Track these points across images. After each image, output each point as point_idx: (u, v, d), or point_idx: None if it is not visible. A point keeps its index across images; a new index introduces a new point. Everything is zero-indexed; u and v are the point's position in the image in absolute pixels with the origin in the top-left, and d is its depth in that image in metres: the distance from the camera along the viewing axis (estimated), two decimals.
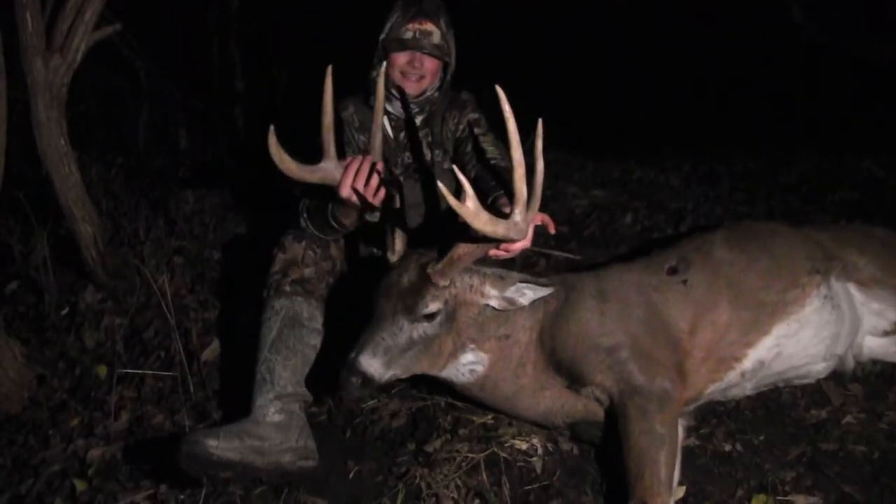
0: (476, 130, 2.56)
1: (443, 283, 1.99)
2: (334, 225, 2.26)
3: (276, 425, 2.11)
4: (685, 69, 6.85)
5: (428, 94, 2.60)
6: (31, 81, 2.66)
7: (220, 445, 1.98)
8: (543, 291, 2.06)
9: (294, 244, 2.37)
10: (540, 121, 1.83)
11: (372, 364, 1.90)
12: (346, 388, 1.91)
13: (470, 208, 1.79)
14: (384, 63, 2.27)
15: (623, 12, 7.23)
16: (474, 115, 2.59)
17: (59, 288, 3.12)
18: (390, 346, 1.93)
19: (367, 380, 1.90)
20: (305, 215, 2.34)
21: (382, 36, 2.53)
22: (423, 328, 1.98)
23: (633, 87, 6.86)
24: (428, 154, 2.64)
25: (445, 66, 2.60)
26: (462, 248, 1.96)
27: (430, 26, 2.49)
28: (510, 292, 2.05)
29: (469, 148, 2.55)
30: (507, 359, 2.12)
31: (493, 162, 2.44)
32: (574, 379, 2.11)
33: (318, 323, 2.32)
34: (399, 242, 2.10)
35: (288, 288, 2.30)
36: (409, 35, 2.49)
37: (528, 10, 7.29)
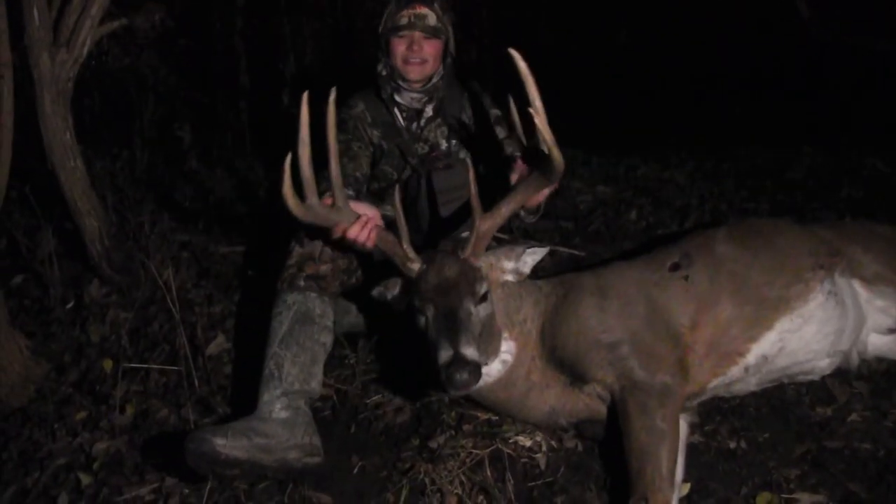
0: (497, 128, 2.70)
1: (477, 263, 2.07)
2: None
3: (283, 422, 2.11)
4: (690, 65, 6.83)
5: (434, 80, 2.65)
6: (37, 76, 2.67)
7: (228, 444, 1.99)
8: (542, 251, 2.15)
9: (313, 238, 2.37)
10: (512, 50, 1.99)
11: (472, 352, 1.91)
12: (461, 384, 1.87)
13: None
14: (333, 92, 2.04)
15: (628, 8, 7.21)
16: (495, 112, 2.67)
17: (64, 282, 3.13)
18: (473, 331, 1.96)
19: (476, 367, 1.91)
20: None
21: (381, 28, 2.64)
22: (484, 308, 2.03)
23: (638, 82, 6.85)
24: (444, 144, 2.68)
25: (446, 53, 2.65)
26: (485, 224, 2.05)
27: (424, 10, 2.59)
28: (520, 263, 2.13)
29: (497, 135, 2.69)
30: (525, 350, 2.15)
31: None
32: (576, 376, 2.11)
33: (330, 320, 2.32)
34: (410, 249, 2.09)
35: (302, 283, 2.30)
36: (404, 21, 2.59)
37: (532, 6, 7.27)
